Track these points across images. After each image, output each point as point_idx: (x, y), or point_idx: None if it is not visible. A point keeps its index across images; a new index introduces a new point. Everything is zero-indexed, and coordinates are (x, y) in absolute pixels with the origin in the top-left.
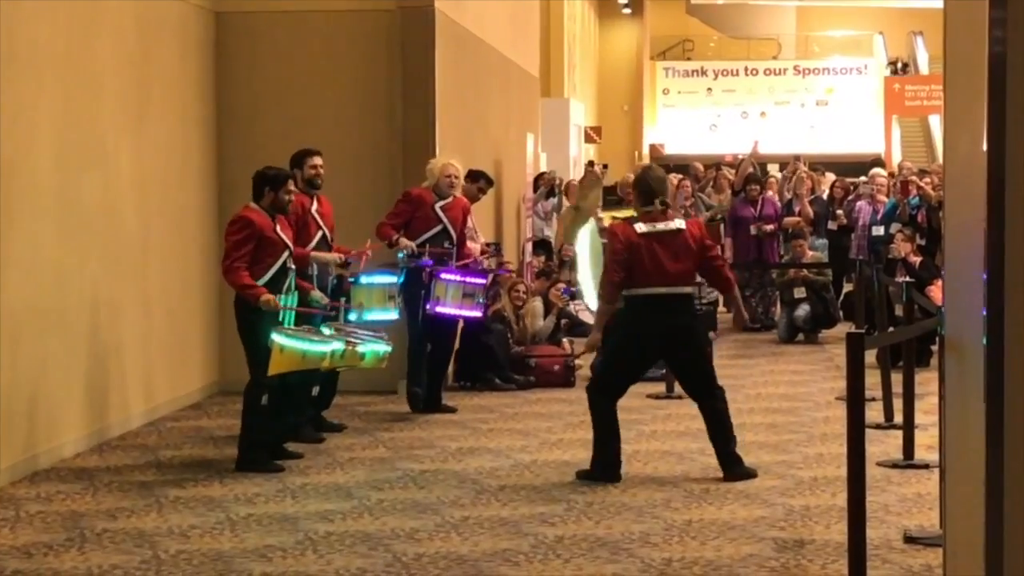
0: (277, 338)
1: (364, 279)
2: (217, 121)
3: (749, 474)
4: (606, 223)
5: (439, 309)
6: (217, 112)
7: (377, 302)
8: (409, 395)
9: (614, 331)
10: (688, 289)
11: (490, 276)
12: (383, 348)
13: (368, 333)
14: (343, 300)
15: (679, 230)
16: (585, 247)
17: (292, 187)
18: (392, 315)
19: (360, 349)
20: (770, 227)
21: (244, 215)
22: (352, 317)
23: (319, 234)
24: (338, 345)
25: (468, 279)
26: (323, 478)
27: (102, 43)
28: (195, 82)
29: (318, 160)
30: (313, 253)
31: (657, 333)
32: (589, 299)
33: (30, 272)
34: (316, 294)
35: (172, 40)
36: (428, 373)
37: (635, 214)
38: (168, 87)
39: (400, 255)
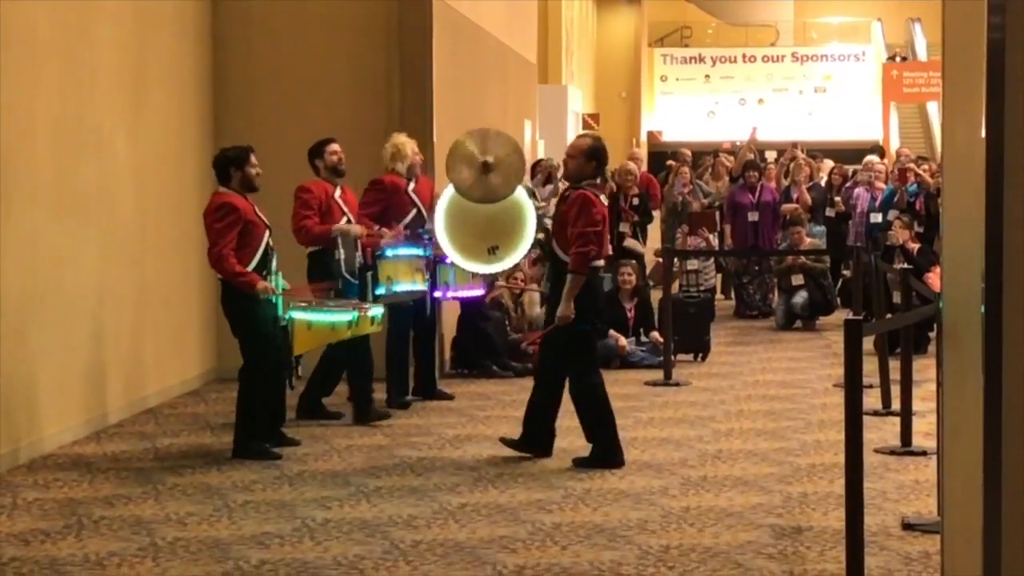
0: (300, 316)
1: (390, 252)
2: (214, 109)
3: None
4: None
5: (451, 295)
6: (214, 100)
7: (404, 275)
8: (392, 402)
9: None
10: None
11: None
12: (380, 311)
13: (349, 301)
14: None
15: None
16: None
17: (255, 161)
18: (420, 287)
19: (370, 313)
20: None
21: (225, 201)
22: (380, 291)
23: (343, 220)
24: (354, 313)
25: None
26: (320, 465)
27: (99, 30)
28: (192, 69)
29: (337, 147)
30: (335, 226)
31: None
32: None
33: (27, 260)
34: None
35: (169, 27)
36: (419, 360)
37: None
38: (165, 74)
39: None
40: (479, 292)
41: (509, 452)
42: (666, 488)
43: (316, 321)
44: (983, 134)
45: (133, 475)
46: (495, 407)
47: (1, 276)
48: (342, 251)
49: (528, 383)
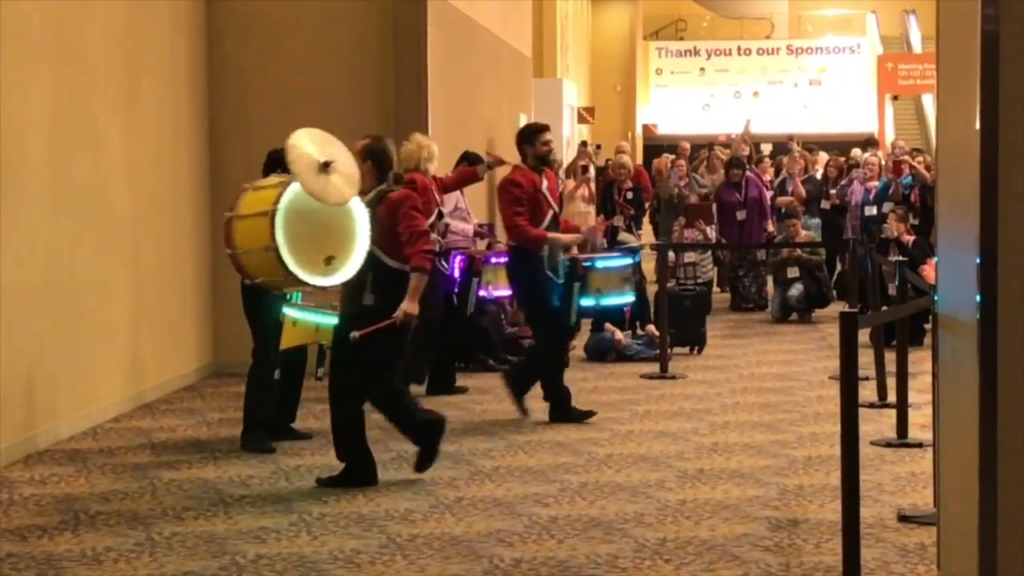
0: (290, 312)
1: (600, 263)
2: (208, 102)
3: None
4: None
5: (496, 293)
6: (208, 96)
7: (614, 286)
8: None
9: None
10: None
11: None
12: None
13: None
14: (576, 284)
15: None
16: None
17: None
18: (629, 298)
19: None
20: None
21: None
22: (589, 301)
23: (550, 213)
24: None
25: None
26: (317, 459)
27: (93, 27)
28: (186, 66)
29: (549, 136)
30: (552, 236)
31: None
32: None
33: (22, 254)
34: None
35: (163, 23)
36: (448, 354)
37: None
38: (159, 70)
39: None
40: (508, 293)
41: (505, 446)
42: (662, 481)
43: (301, 319)
44: (977, 126)
45: (129, 470)
46: (491, 401)
47: None
48: (547, 248)
49: None
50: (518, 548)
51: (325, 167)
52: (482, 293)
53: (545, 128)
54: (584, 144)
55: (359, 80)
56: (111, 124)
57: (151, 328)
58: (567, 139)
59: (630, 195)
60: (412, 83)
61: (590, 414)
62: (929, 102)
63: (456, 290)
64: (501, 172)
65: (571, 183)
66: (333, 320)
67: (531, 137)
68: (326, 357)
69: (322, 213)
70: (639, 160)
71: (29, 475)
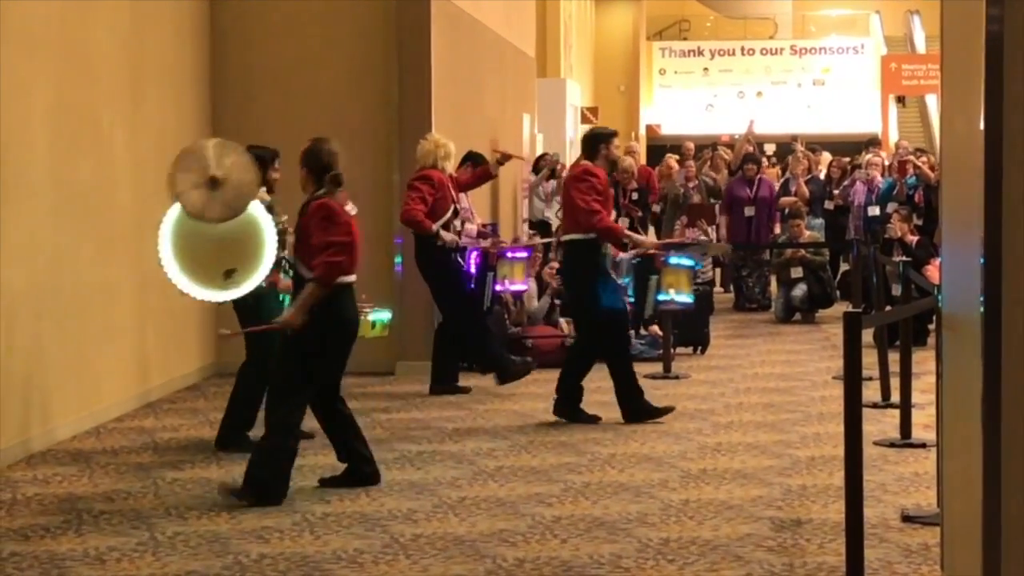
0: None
1: (674, 260)
2: (212, 103)
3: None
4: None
5: (513, 287)
6: (212, 94)
7: (685, 285)
8: (503, 368)
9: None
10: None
11: (536, 250)
12: (388, 315)
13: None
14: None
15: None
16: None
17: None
18: (690, 299)
19: (371, 318)
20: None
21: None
22: (664, 297)
23: (612, 216)
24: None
25: (527, 254)
26: (320, 460)
27: (97, 26)
28: (190, 65)
29: (617, 140)
30: (632, 235)
31: (353, 323)
32: (186, 288)
33: (25, 255)
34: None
35: (167, 23)
36: (451, 352)
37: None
38: (163, 70)
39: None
40: (523, 287)
41: (508, 446)
42: (665, 481)
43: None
44: (982, 126)
45: (132, 470)
46: (494, 401)
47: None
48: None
49: (527, 377)
50: (521, 548)
51: (212, 183)
52: (498, 288)
53: (615, 134)
54: None
55: (362, 80)
56: (114, 124)
57: (154, 328)
58: (570, 139)
59: (635, 196)
60: (416, 83)
61: (596, 419)
62: (933, 102)
63: (472, 285)
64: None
65: None
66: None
67: (605, 139)
68: None
69: (216, 228)
70: (643, 160)
71: (32, 475)
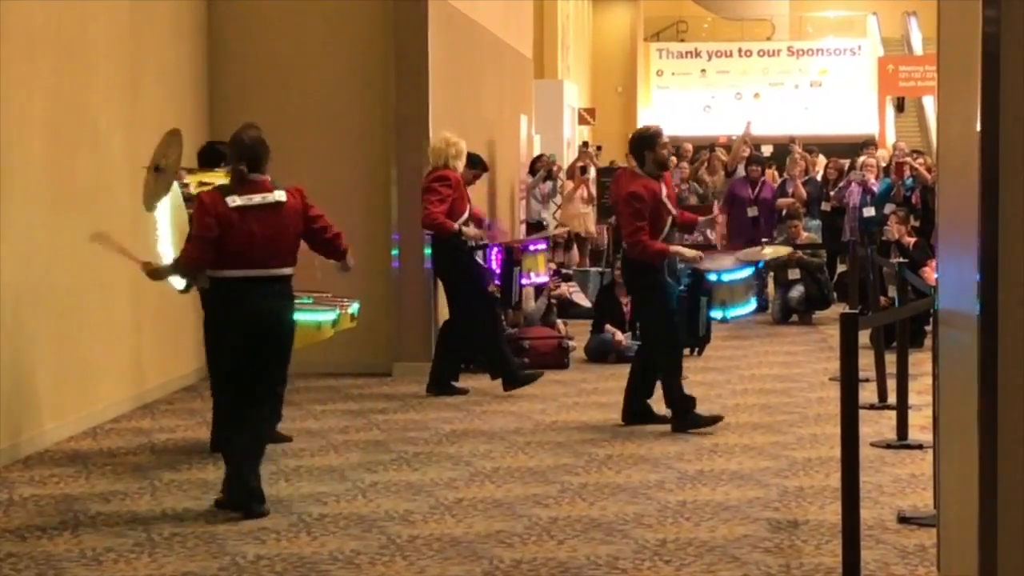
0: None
1: (727, 276)
2: (210, 104)
3: (238, 508)
4: (193, 189)
5: (537, 280)
6: (210, 96)
7: (740, 296)
8: (510, 374)
9: (205, 321)
10: (286, 271)
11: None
12: (356, 305)
13: (327, 294)
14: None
15: (279, 203)
16: (166, 216)
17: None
18: (752, 306)
19: (350, 310)
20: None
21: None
22: (716, 314)
23: (669, 220)
24: (336, 311)
25: (544, 245)
26: (317, 460)
27: (95, 26)
28: (188, 65)
29: (667, 138)
30: (673, 249)
31: (245, 319)
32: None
33: (23, 254)
34: None
35: (165, 21)
36: (453, 354)
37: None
38: (161, 69)
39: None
40: (546, 280)
41: (505, 447)
42: (662, 482)
43: (302, 321)
44: (978, 127)
45: (129, 471)
46: (491, 402)
47: None
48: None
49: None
50: (518, 549)
51: (155, 170)
52: (524, 281)
53: (659, 133)
54: (585, 145)
55: (360, 80)
56: (112, 124)
57: (152, 329)
58: (568, 140)
59: None
60: (413, 83)
61: (717, 419)
62: (930, 104)
63: (498, 282)
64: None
65: (570, 184)
66: (327, 316)
67: (652, 141)
68: None
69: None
70: None
71: (29, 475)
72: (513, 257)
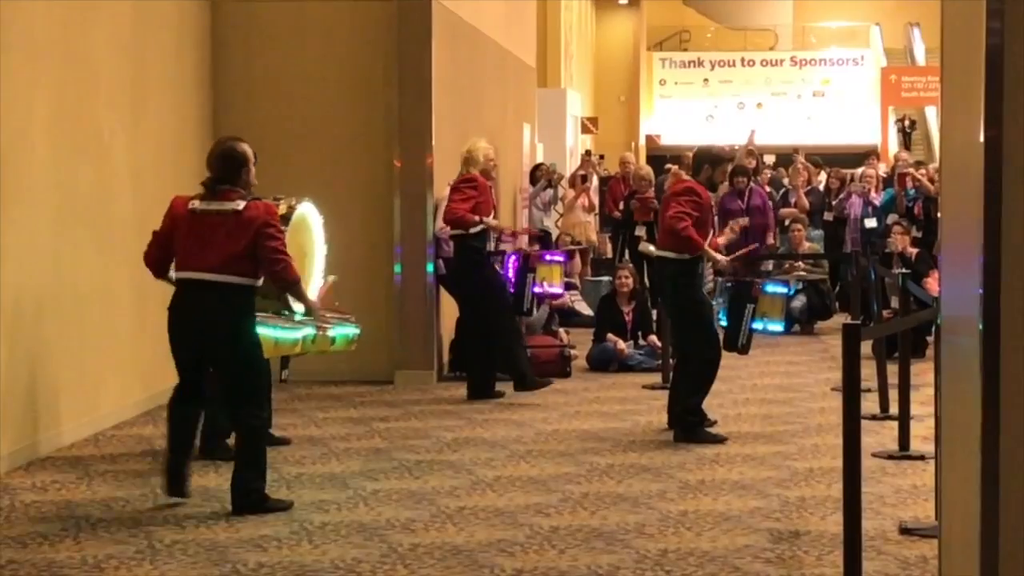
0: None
1: (770, 288)
2: (213, 110)
3: (256, 511)
4: (283, 209)
5: (551, 290)
6: (213, 101)
7: (777, 313)
8: (523, 376)
9: None
10: (228, 278)
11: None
12: (352, 331)
13: (336, 316)
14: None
15: (236, 211)
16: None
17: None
18: (780, 326)
19: (331, 333)
20: (743, 221)
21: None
22: (758, 325)
23: (710, 234)
24: (309, 330)
25: (563, 258)
26: (318, 468)
27: (98, 32)
28: (191, 71)
29: (730, 166)
30: (717, 259)
31: (182, 321)
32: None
33: (26, 261)
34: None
35: (168, 29)
36: (486, 359)
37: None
38: (164, 76)
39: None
40: (560, 291)
41: (507, 455)
42: (663, 492)
43: (260, 335)
44: (982, 138)
45: (131, 477)
46: (493, 410)
47: None
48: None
49: None
50: (519, 558)
51: None
52: (536, 289)
53: (730, 159)
54: (588, 153)
55: (363, 87)
56: (115, 130)
57: (153, 335)
58: (570, 149)
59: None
60: (416, 91)
61: (721, 440)
62: (932, 114)
63: (512, 290)
64: (507, 178)
65: (571, 193)
66: (293, 334)
67: (717, 160)
68: (289, 359)
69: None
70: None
71: (31, 482)
72: (528, 264)
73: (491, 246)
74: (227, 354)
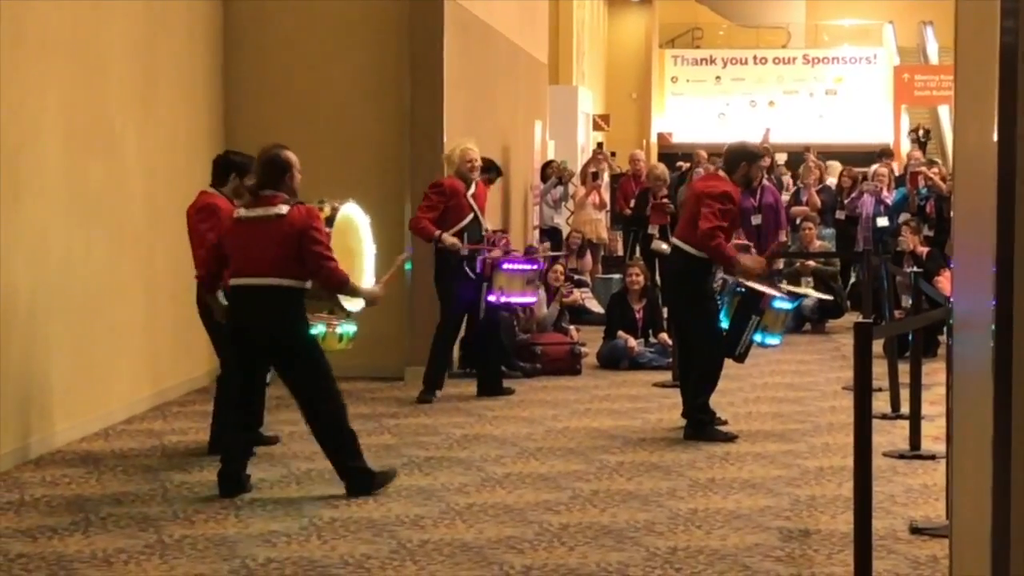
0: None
1: (778, 304)
2: (224, 107)
3: (368, 489)
4: (327, 212)
5: (505, 299)
6: (224, 100)
7: (779, 327)
8: (430, 381)
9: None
10: (274, 280)
11: (546, 261)
12: (353, 329)
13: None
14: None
15: (279, 216)
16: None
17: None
18: (777, 340)
19: (339, 331)
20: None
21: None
22: (757, 338)
23: (737, 231)
24: (321, 328)
25: (529, 266)
26: (328, 464)
27: (110, 28)
28: (203, 70)
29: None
30: (741, 263)
31: (240, 327)
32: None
33: (37, 256)
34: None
35: (180, 25)
36: (490, 360)
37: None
38: (175, 73)
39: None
40: (532, 300)
41: (516, 452)
42: (674, 490)
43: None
44: (995, 137)
45: (141, 472)
46: (503, 407)
47: (10, 272)
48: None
49: (535, 383)
50: (529, 555)
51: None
52: (491, 298)
53: (763, 155)
54: (600, 146)
55: (375, 85)
56: (127, 127)
57: (164, 331)
58: (582, 146)
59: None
60: (428, 88)
61: (732, 439)
62: (945, 113)
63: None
64: (519, 175)
65: (582, 190)
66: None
67: (754, 157)
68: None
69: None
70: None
71: (41, 476)
72: (484, 272)
73: (464, 251)
74: (288, 353)
